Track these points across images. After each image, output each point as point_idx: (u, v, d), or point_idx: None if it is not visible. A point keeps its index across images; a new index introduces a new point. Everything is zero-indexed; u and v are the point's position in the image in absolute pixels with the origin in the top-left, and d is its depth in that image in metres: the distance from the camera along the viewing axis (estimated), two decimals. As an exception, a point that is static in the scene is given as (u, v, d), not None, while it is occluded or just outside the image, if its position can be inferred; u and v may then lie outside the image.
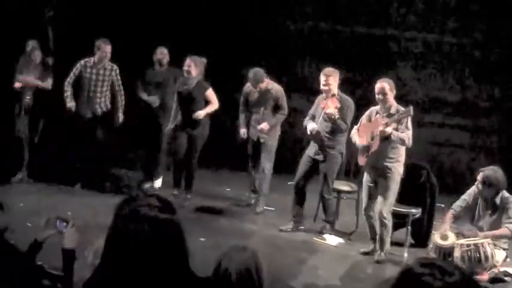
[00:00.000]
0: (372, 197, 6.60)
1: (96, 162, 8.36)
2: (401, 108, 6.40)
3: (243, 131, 7.99)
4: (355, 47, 9.78)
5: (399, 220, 6.80)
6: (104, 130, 8.31)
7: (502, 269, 6.10)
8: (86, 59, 8.17)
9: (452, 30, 9.53)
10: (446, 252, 6.12)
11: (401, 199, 6.73)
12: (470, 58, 9.52)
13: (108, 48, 8.08)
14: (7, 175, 8.33)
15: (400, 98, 6.85)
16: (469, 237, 6.15)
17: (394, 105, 6.48)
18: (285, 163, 8.31)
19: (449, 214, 6.47)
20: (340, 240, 7.14)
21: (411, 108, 6.27)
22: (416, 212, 6.87)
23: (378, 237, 6.58)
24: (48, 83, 8.40)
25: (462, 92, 9.61)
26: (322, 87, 7.09)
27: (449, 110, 9.66)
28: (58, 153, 8.60)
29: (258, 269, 2.99)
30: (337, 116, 6.92)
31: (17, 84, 8.33)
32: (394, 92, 6.48)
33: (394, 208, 6.61)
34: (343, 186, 7.55)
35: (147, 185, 8.51)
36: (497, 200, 6.23)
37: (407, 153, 6.55)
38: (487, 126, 9.54)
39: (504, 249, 6.24)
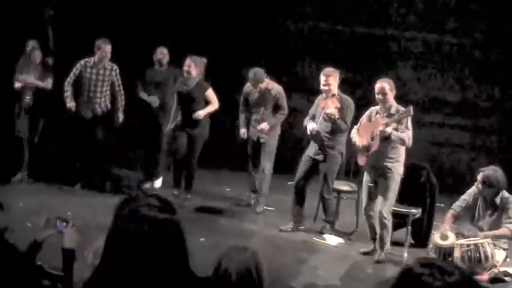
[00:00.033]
0: (371, 197, 6.60)
1: (96, 162, 8.37)
2: (401, 108, 6.40)
3: (243, 131, 7.99)
4: (355, 47, 9.78)
5: (399, 220, 6.80)
6: (104, 130, 8.31)
7: (502, 269, 6.10)
8: (86, 59, 8.17)
9: (452, 30, 9.53)
10: (446, 252, 6.13)
11: (402, 199, 6.73)
12: (470, 58, 9.52)
13: (108, 48, 8.08)
14: (7, 175, 8.33)
15: (400, 98, 6.85)
16: (469, 237, 6.15)
17: (394, 105, 6.48)
18: (285, 163, 8.31)
19: (449, 214, 6.48)
20: (340, 240, 7.14)
21: (411, 108, 6.27)
22: (416, 212, 6.87)
23: (377, 237, 6.58)
24: (48, 83, 8.40)
25: (462, 92, 9.62)
26: (322, 87, 7.09)
27: (449, 110, 9.66)
28: (58, 153, 8.60)
29: (258, 269, 2.99)
30: (337, 116, 6.92)
31: (17, 85, 8.33)
32: (394, 92, 6.48)
33: (394, 208, 6.61)
34: (343, 186, 7.55)
35: (146, 185, 8.51)
36: (497, 200, 6.23)
37: (408, 153, 6.55)
38: (487, 126, 9.54)
39: (504, 249, 6.24)
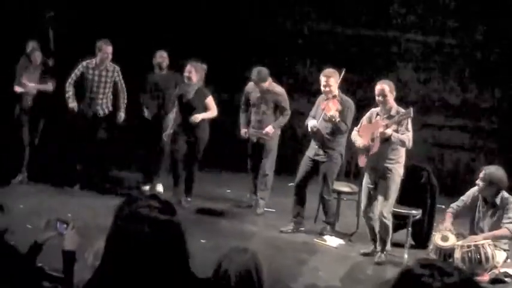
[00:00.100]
0: (371, 199, 6.60)
1: (97, 163, 8.36)
2: (402, 110, 6.40)
3: (243, 131, 8.00)
4: (355, 48, 9.78)
5: (399, 221, 6.80)
6: (105, 131, 8.31)
7: (502, 270, 6.09)
8: (88, 61, 8.17)
9: (452, 31, 9.53)
10: (446, 254, 6.13)
11: (402, 200, 6.74)
12: (471, 59, 9.51)
13: (109, 49, 8.08)
14: (7, 177, 8.33)
15: (400, 100, 6.86)
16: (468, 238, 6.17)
17: (394, 107, 6.48)
18: (285, 164, 8.31)
19: (449, 213, 6.48)
20: (341, 241, 7.14)
21: (411, 109, 6.28)
22: (416, 213, 6.87)
23: (378, 238, 6.59)
24: (49, 86, 8.39)
25: (462, 93, 9.61)
26: (322, 88, 7.09)
27: (450, 111, 9.65)
28: (58, 154, 8.60)
29: (258, 271, 2.99)
30: (338, 119, 6.93)
31: (17, 89, 8.32)
32: (394, 93, 6.49)
33: (395, 209, 6.61)
34: (343, 187, 7.55)
35: (146, 187, 8.50)
36: (497, 200, 6.23)
37: (408, 154, 6.55)
38: (487, 127, 9.53)
39: (505, 250, 6.24)
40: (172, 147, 8.18)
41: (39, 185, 8.36)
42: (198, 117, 7.80)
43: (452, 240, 6.16)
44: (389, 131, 6.28)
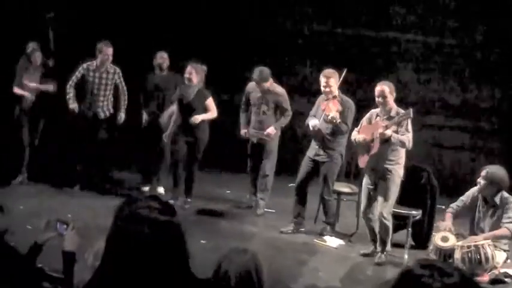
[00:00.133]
0: (371, 200, 6.60)
1: (97, 163, 8.36)
2: (402, 111, 6.40)
3: (243, 131, 8.00)
4: (355, 49, 9.78)
5: (400, 222, 6.80)
6: (105, 132, 8.30)
7: (502, 270, 6.09)
8: (89, 63, 8.17)
9: (452, 31, 9.53)
10: (446, 254, 6.13)
11: (402, 201, 6.74)
12: (471, 59, 9.51)
13: (109, 51, 8.08)
14: (7, 177, 8.33)
15: (400, 101, 6.85)
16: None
17: (394, 108, 6.48)
18: (285, 165, 8.31)
19: (448, 214, 6.48)
20: (341, 241, 7.14)
21: (411, 110, 6.28)
22: (416, 213, 6.87)
23: (378, 238, 6.59)
24: (50, 87, 8.38)
25: (462, 93, 9.61)
26: (323, 89, 7.09)
27: (450, 111, 9.65)
28: (58, 155, 8.60)
29: (258, 271, 2.99)
30: (339, 121, 6.93)
31: (16, 90, 8.31)
32: (394, 94, 6.49)
33: (395, 210, 6.61)
34: (344, 187, 7.55)
35: (145, 188, 8.50)
36: (497, 200, 6.23)
37: (408, 155, 6.55)
38: (487, 127, 9.53)
39: (505, 250, 6.24)
40: (172, 148, 8.18)
41: (39, 185, 8.36)
42: (198, 118, 7.80)
43: (452, 241, 6.15)
44: (388, 132, 6.28)
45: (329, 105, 7.03)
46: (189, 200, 8.02)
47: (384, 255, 6.58)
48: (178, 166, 8.08)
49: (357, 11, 9.87)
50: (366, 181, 6.65)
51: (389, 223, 6.50)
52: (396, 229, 6.79)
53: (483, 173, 6.26)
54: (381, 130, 6.30)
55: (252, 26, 10.03)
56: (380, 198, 6.48)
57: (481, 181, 6.26)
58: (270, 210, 7.99)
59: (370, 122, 6.64)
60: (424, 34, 9.66)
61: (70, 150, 8.45)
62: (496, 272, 6.05)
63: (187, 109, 7.87)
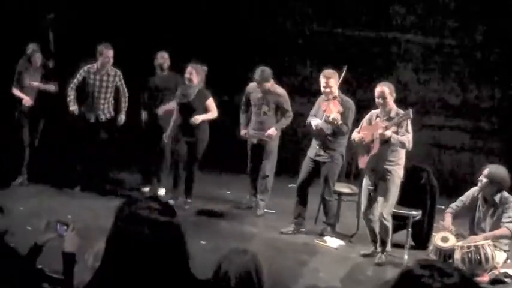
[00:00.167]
0: (371, 201, 6.59)
1: (97, 164, 8.36)
2: (401, 112, 6.40)
3: (243, 132, 8.00)
4: (355, 49, 9.78)
5: (400, 222, 6.80)
6: (106, 133, 8.30)
7: (502, 271, 6.09)
8: (89, 65, 8.17)
9: (452, 31, 9.53)
10: (446, 254, 6.13)
11: (402, 201, 6.73)
12: (471, 59, 9.51)
13: (110, 54, 8.08)
14: (7, 178, 8.33)
15: (400, 101, 6.85)
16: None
17: (394, 109, 6.48)
18: (285, 166, 8.30)
19: (448, 214, 6.48)
20: (341, 242, 7.14)
21: (410, 111, 6.28)
22: (416, 214, 6.87)
23: (378, 239, 6.59)
24: (51, 87, 8.39)
25: (462, 93, 9.61)
26: (323, 89, 7.09)
27: (450, 111, 9.65)
28: (58, 155, 8.60)
29: (258, 272, 2.99)
30: (340, 122, 6.93)
31: (15, 92, 8.31)
32: (394, 95, 6.49)
33: (395, 210, 6.61)
34: (344, 188, 7.55)
35: (145, 189, 8.50)
36: (497, 200, 6.23)
37: (408, 155, 6.55)
38: (487, 127, 9.53)
39: (505, 250, 6.24)
40: (172, 148, 8.19)
41: (39, 186, 8.36)
42: (198, 118, 7.80)
43: (452, 241, 6.16)
44: (388, 133, 6.28)
45: (330, 106, 7.03)
46: (189, 200, 8.02)
47: (384, 256, 6.58)
48: (179, 166, 8.09)
49: (357, 11, 9.88)
50: (365, 182, 6.65)
51: (389, 223, 6.50)
52: (396, 229, 6.79)
53: (485, 171, 6.26)
54: (380, 131, 6.30)
55: (252, 26, 10.03)
56: (380, 199, 6.48)
57: (482, 179, 6.25)
58: (270, 210, 7.99)
59: (370, 122, 6.64)
60: (424, 34, 9.66)
61: (70, 150, 8.45)
62: (496, 272, 6.05)
63: (187, 109, 7.87)
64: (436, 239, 6.27)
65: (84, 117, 8.21)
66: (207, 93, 7.95)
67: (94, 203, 7.66)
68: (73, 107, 8.14)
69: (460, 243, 6.10)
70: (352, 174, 7.67)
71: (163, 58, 8.46)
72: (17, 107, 8.41)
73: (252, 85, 7.91)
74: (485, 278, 5.97)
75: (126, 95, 8.36)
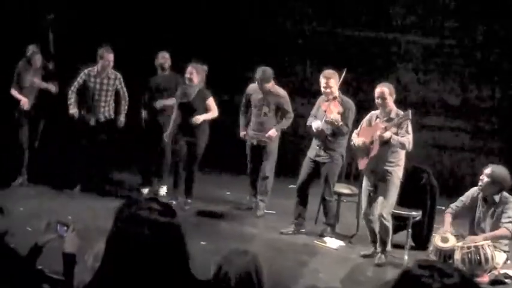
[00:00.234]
0: (371, 202, 6.59)
1: (97, 165, 8.36)
2: (401, 113, 6.39)
3: (242, 134, 8.00)
4: (355, 49, 9.78)
5: (400, 223, 6.80)
6: (106, 134, 8.30)
7: (502, 271, 6.09)
8: (90, 68, 8.17)
9: (452, 31, 9.52)
10: (446, 255, 6.13)
11: (402, 202, 6.74)
12: (471, 59, 9.51)
13: (110, 57, 8.08)
14: (7, 179, 8.33)
15: (400, 102, 6.85)
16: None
17: (394, 110, 6.48)
18: (285, 166, 8.30)
19: (448, 214, 6.48)
20: (341, 243, 7.14)
21: (410, 112, 6.27)
22: (416, 214, 6.87)
23: (378, 239, 6.59)
24: (51, 86, 8.39)
25: (462, 94, 9.61)
26: (323, 90, 7.09)
27: (450, 111, 9.65)
28: (58, 156, 8.60)
29: (258, 273, 2.99)
30: (340, 123, 6.93)
31: (13, 93, 8.31)
32: (394, 96, 6.48)
33: (395, 211, 6.61)
34: (344, 189, 7.54)
35: (145, 189, 8.50)
36: (497, 200, 6.23)
37: (408, 156, 6.55)
38: (487, 127, 9.53)
39: (505, 251, 6.24)
40: (172, 148, 8.19)
41: (39, 187, 8.35)
42: (199, 118, 7.80)
43: (452, 242, 6.15)
44: (388, 134, 6.27)
45: (330, 106, 7.03)
46: (189, 200, 8.02)
47: (384, 256, 6.57)
48: (179, 166, 8.09)
49: (357, 11, 9.87)
50: (365, 183, 6.65)
51: (389, 224, 6.50)
52: (396, 230, 6.79)
53: (486, 170, 6.25)
54: (380, 132, 6.30)
55: (252, 26, 10.03)
56: (380, 199, 6.47)
57: (483, 179, 6.24)
58: (270, 211, 7.98)
59: (369, 124, 6.63)
60: (424, 34, 9.66)
61: (70, 151, 8.45)
62: (495, 272, 6.05)
63: (188, 109, 7.87)
64: (436, 239, 6.27)
65: (84, 120, 8.21)
66: (207, 93, 7.95)
67: (94, 204, 7.66)
68: (73, 110, 8.14)
69: (460, 244, 6.10)
70: (352, 175, 7.67)
71: (164, 58, 8.47)
72: (17, 107, 8.40)
73: (252, 86, 7.90)
74: (485, 279, 5.97)
75: (127, 98, 8.36)
